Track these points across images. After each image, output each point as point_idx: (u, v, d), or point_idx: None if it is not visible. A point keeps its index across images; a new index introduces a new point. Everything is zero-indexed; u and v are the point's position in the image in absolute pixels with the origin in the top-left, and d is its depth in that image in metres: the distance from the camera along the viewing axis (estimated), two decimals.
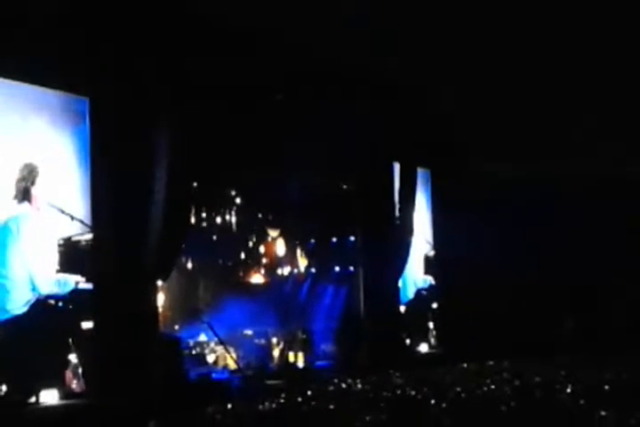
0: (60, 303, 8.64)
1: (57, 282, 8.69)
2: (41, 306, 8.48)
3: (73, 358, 8.68)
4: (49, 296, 8.58)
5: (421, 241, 14.53)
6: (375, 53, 10.82)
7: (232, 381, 10.18)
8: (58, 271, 8.75)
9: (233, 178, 11.64)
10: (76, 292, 8.75)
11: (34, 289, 8.48)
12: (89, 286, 8.86)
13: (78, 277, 8.81)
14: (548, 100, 13.09)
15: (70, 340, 8.69)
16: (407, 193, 13.33)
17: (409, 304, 13.93)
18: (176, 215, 9.43)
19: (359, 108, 12.03)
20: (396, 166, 13.42)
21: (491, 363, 11.69)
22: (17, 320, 8.30)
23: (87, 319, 8.79)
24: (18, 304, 8.36)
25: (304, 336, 12.10)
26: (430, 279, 14.63)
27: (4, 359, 8.06)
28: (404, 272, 13.58)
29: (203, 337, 11.26)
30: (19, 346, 8.18)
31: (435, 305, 14.59)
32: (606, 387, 8.00)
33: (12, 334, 8.20)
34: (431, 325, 14.41)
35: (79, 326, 8.77)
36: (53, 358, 8.53)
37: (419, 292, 14.36)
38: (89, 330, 8.79)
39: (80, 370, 8.68)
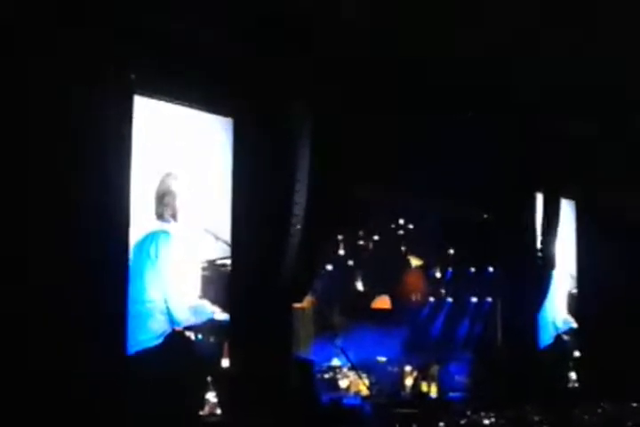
0: (199, 336, 8.02)
1: (193, 310, 8.02)
2: (178, 338, 7.82)
3: (211, 397, 8.04)
4: (186, 328, 7.93)
5: (565, 277, 14.03)
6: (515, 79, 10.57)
7: (363, 407, 10.11)
8: (201, 298, 8.13)
9: (372, 204, 11.58)
10: (212, 322, 8.16)
11: (170, 318, 7.77)
12: (225, 316, 8.28)
13: (215, 307, 8.21)
14: None
15: (208, 377, 8.08)
16: (549, 224, 13.00)
17: (548, 351, 13.23)
18: (314, 239, 9.36)
19: (503, 135, 11.84)
20: (539, 197, 13.12)
21: (634, 405, 11.21)
22: (151, 353, 7.55)
23: (223, 353, 8.22)
24: (153, 335, 7.65)
25: (438, 366, 11.91)
26: (572, 321, 14.06)
27: (136, 397, 7.28)
28: (544, 311, 13.13)
29: (336, 362, 11.24)
30: (152, 383, 7.45)
31: (577, 353, 13.85)
32: None
33: (144, 369, 7.43)
34: (573, 375, 13.70)
35: (218, 360, 8.19)
36: (190, 395, 7.90)
37: (559, 336, 13.69)
38: (227, 367, 8.20)
39: (219, 410, 8.10)
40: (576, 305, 14.13)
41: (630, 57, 10.00)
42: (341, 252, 12.26)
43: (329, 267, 11.68)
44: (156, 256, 7.74)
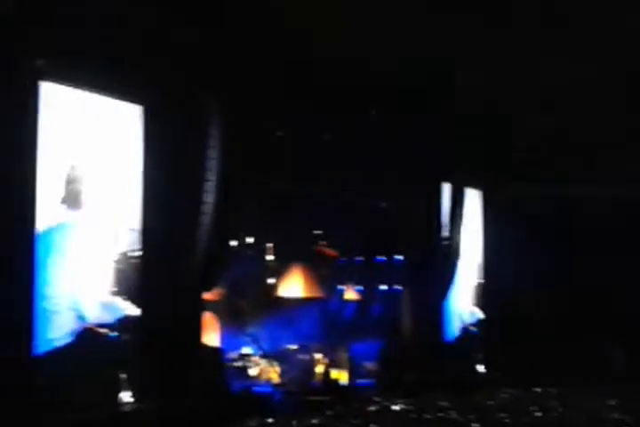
0: (112, 332, 7.74)
1: (104, 307, 7.69)
2: (89, 336, 7.51)
3: (125, 395, 7.88)
4: (97, 325, 7.63)
5: (472, 268, 14.23)
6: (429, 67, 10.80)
7: (274, 395, 10.15)
8: (114, 294, 7.87)
9: (282, 193, 11.59)
10: (125, 319, 7.92)
11: (80, 315, 7.44)
12: (137, 311, 8.06)
13: (127, 303, 7.94)
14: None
15: (123, 375, 7.87)
16: (454, 214, 13.25)
17: (455, 342, 13.55)
18: (224, 227, 9.32)
19: (411, 125, 12.00)
20: (447, 186, 13.34)
21: (537, 390, 11.49)
22: (61, 353, 7.20)
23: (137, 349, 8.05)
24: (62, 333, 7.28)
25: (348, 354, 12.02)
26: (478, 312, 14.34)
27: (46, 398, 6.96)
28: (450, 302, 13.39)
29: (247, 350, 11.25)
30: (63, 383, 7.15)
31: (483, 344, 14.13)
32: None
33: (54, 369, 7.08)
34: (480, 366, 13.98)
35: (132, 357, 8.00)
36: (104, 394, 7.67)
37: (466, 328, 14.00)
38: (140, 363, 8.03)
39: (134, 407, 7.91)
40: (482, 296, 14.39)
41: None
42: (252, 241, 12.25)
43: (239, 257, 11.66)
44: (63, 249, 7.36)
